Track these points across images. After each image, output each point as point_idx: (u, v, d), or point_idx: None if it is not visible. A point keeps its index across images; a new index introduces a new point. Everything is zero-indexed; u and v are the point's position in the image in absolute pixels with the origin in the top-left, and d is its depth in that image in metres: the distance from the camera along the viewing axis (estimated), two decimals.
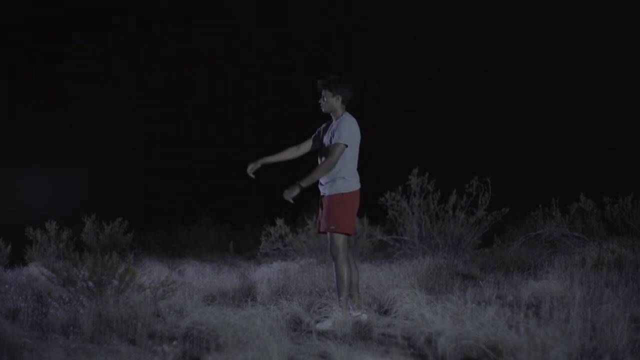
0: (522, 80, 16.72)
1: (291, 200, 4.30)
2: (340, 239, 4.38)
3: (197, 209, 12.42)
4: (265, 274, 6.55)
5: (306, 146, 4.69)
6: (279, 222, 8.42)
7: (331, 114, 4.55)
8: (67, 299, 4.69)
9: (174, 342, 3.56)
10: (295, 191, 4.28)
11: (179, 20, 18.46)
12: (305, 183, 4.30)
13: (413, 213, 7.56)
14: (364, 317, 4.23)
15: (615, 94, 15.46)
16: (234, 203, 14.51)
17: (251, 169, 4.56)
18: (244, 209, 13.10)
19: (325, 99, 4.50)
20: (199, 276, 6.54)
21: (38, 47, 17.06)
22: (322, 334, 3.95)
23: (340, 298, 4.32)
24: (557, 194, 7.79)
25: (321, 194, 4.56)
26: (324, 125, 4.68)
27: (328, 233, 4.43)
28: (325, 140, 4.54)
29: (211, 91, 18.36)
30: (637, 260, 5.74)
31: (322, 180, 4.52)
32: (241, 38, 18.80)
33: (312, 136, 4.71)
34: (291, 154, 4.67)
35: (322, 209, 4.53)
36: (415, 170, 7.47)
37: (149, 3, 17.78)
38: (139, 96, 17.76)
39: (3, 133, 15.45)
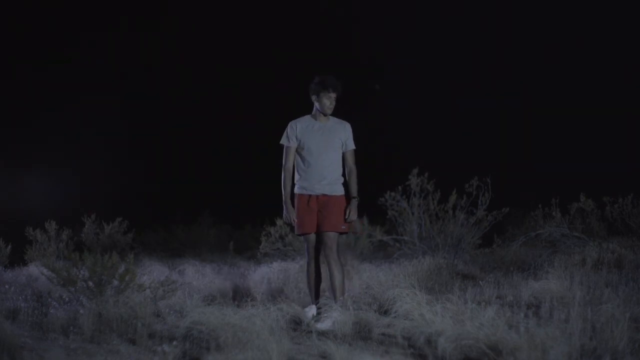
0: (523, 80, 16.73)
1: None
2: (339, 239, 4.53)
3: (197, 209, 12.41)
4: (265, 274, 6.54)
5: (294, 161, 4.66)
6: (279, 222, 8.42)
7: (322, 113, 4.57)
8: (67, 299, 4.69)
9: (174, 342, 3.56)
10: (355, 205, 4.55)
11: (178, 19, 18.48)
12: (357, 194, 4.56)
13: (413, 213, 7.55)
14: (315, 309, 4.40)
15: (615, 94, 15.47)
16: (234, 203, 14.51)
17: (292, 219, 4.67)
18: (244, 209, 13.09)
19: (333, 100, 4.54)
20: (199, 276, 6.53)
21: (37, 47, 17.07)
22: (322, 334, 3.95)
23: (341, 298, 4.33)
24: (557, 194, 7.78)
25: (314, 194, 4.54)
26: (298, 126, 4.59)
27: (330, 233, 4.45)
28: (325, 139, 4.54)
29: (211, 91, 18.37)
30: (637, 260, 5.73)
31: (315, 181, 4.54)
32: (240, 39, 18.81)
33: (291, 148, 4.60)
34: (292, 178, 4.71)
35: (310, 210, 4.54)
36: (415, 170, 7.46)
37: (147, 3, 17.79)
38: (138, 96, 17.77)
39: (3, 133, 15.46)
